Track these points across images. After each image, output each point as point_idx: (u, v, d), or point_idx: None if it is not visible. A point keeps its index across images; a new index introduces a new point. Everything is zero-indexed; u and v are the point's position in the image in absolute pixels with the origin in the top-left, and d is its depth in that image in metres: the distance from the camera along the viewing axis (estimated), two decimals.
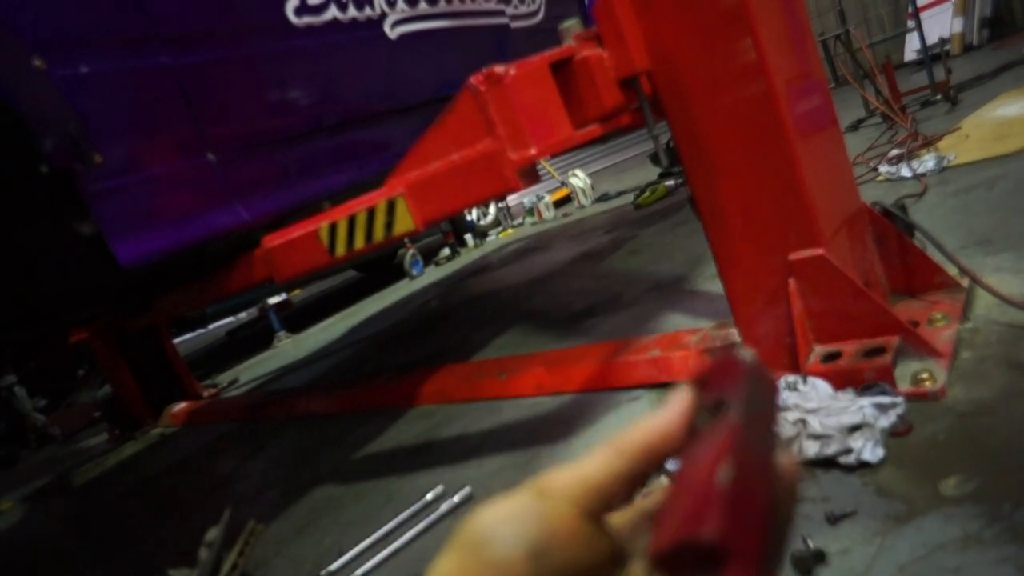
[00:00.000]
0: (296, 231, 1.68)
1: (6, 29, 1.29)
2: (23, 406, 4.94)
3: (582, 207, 6.18)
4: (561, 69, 1.45)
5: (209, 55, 1.70)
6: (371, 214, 1.52)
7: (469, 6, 2.59)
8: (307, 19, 1.96)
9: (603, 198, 6.10)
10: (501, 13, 2.77)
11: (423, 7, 2.38)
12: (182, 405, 3.93)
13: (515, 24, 2.85)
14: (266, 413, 3.21)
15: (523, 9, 2.92)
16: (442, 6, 2.46)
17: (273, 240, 1.72)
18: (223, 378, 4.67)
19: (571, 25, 1.54)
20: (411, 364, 2.97)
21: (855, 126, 4.25)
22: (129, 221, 1.45)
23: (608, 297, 2.82)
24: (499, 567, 0.25)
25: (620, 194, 5.92)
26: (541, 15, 3.02)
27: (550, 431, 1.77)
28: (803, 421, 1.24)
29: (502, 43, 2.76)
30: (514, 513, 0.27)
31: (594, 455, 0.30)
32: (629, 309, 2.55)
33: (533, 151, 1.36)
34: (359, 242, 1.58)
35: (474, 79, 1.34)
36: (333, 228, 1.59)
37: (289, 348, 5.05)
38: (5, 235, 1.65)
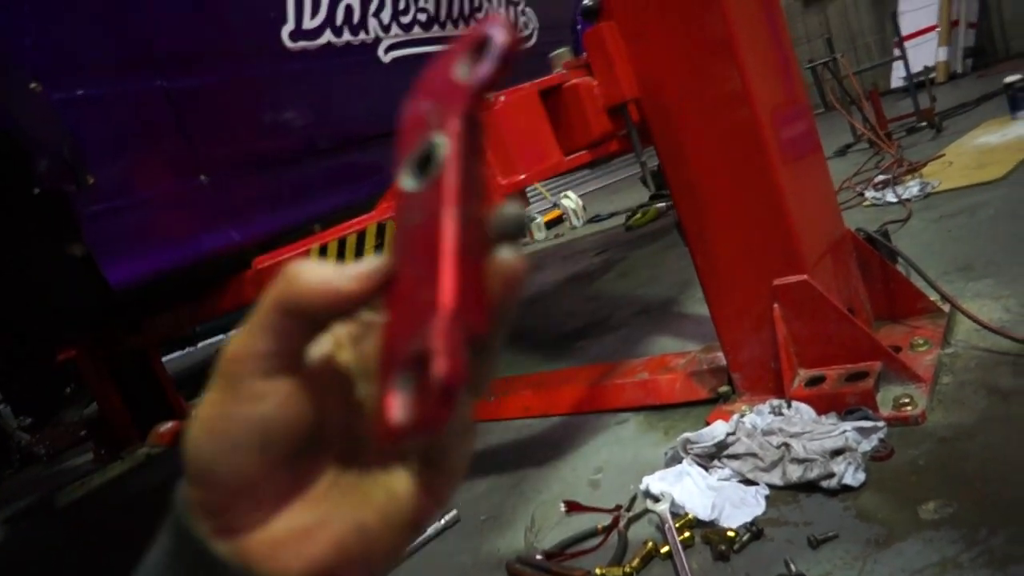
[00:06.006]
0: (287, 253, 1.69)
1: (4, 53, 1.30)
2: (7, 424, 4.88)
3: (574, 228, 6.21)
4: (551, 96, 1.48)
5: (204, 79, 1.71)
6: (361, 237, 1.54)
7: (463, 31, 2.63)
8: (302, 43, 1.99)
9: (595, 219, 6.14)
10: None
11: (417, 32, 2.42)
12: (170, 425, 3.89)
13: None
14: None
15: None
16: (436, 31, 2.50)
17: (264, 262, 1.73)
18: None
19: (561, 53, 1.58)
20: None
21: (843, 151, 4.31)
22: (120, 243, 1.46)
23: (597, 319, 2.84)
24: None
25: (612, 215, 5.96)
26: (533, 40, 3.07)
27: (537, 454, 1.77)
28: (787, 445, 1.26)
29: None
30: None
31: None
32: (618, 331, 2.57)
33: (522, 177, 1.38)
34: None
35: None
36: (324, 250, 1.60)
37: None
38: None
